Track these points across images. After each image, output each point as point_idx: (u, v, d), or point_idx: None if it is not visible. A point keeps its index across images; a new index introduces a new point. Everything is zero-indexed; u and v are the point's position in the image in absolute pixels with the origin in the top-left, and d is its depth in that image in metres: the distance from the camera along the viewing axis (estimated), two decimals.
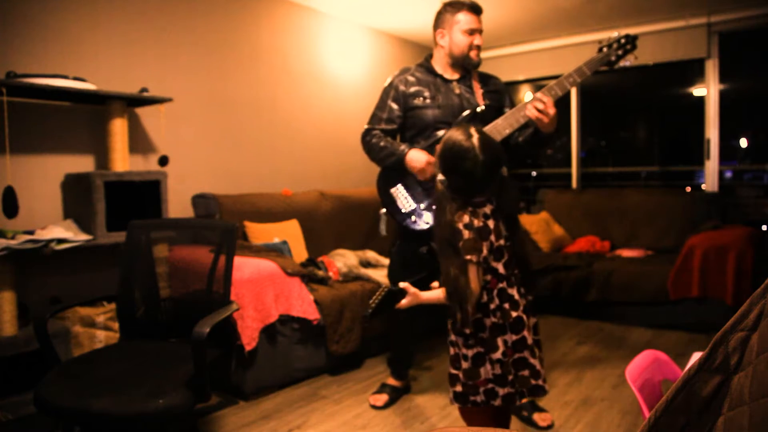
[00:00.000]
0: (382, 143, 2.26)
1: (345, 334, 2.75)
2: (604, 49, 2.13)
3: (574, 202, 4.54)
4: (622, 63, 2.12)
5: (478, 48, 2.25)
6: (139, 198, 2.56)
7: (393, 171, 2.24)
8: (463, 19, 2.22)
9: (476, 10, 2.24)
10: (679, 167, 5.00)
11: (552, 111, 1.95)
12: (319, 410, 2.37)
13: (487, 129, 2.10)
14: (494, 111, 2.23)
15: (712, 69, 4.07)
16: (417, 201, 2.20)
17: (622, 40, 2.11)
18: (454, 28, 2.23)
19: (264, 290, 2.43)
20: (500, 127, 2.09)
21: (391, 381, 2.52)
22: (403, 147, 2.19)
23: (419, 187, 2.20)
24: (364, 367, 2.91)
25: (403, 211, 2.22)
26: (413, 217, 2.20)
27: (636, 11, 3.99)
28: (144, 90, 2.66)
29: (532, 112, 1.97)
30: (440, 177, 1.57)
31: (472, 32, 2.22)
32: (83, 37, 2.65)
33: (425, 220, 2.18)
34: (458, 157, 1.50)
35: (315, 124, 3.89)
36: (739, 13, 3.84)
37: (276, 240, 3.02)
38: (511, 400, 1.49)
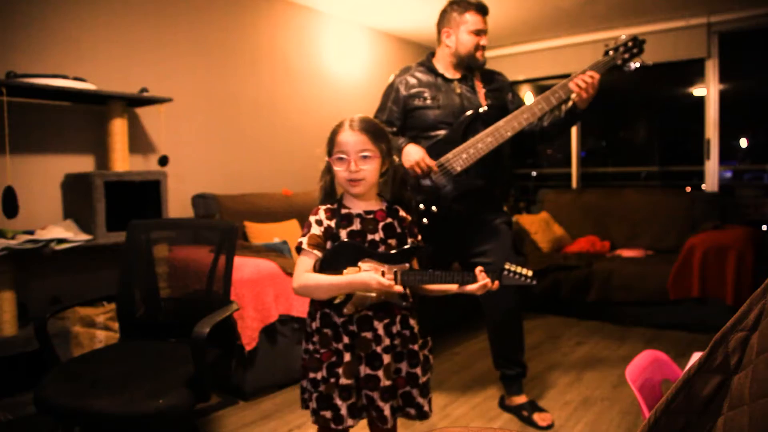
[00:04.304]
0: None
1: None
2: (611, 53, 2.12)
3: (574, 202, 4.54)
4: (632, 65, 2.11)
5: (484, 49, 2.25)
6: (139, 198, 2.56)
7: None
8: (471, 19, 2.22)
9: (483, 11, 2.24)
10: (679, 167, 5.00)
11: (594, 89, 2.06)
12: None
13: (488, 131, 2.10)
14: (498, 110, 2.23)
15: (712, 69, 4.07)
16: (417, 200, 2.20)
17: (629, 44, 2.10)
18: (461, 28, 2.23)
19: (264, 290, 2.43)
20: (503, 130, 2.09)
21: None
22: (401, 141, 2.18)
23: (419, 186, 2.19)
24: None
25: None
26: None
27: (636, 11, 3.99)
28: (144, 90, 2.66)
29: (575, 87, 2.06)
30: None
31: (479, 33, 2.23)
32: (83, 37, 2.65)
33: (424, 220, 2.17)
34: None
35: (315, 124, 3.89)
36: (739, 13, 3.84)
37: (276, 240, 3.02)
38: None
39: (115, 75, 2.76)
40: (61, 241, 2.27)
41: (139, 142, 2.89)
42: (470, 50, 2.23)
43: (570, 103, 2.14)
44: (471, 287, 1.38)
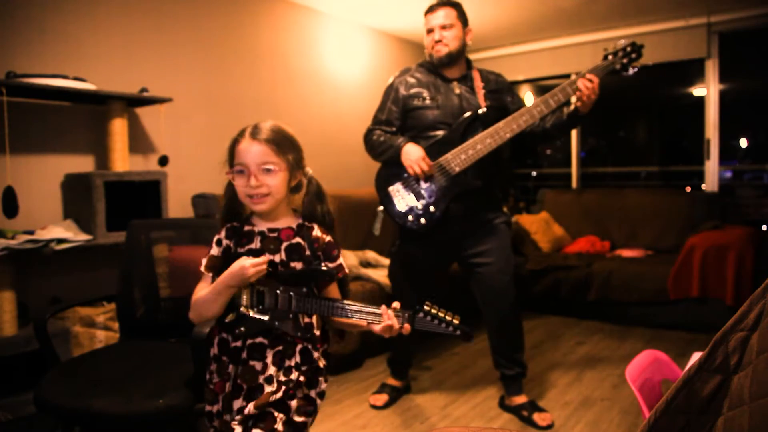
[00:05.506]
0: (381, 138, 2.27)
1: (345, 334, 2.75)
2: (609, 57, 2.13)
3: (574, 202, 4.54)
4: (630, 70, 2.12)
5: (438, 42, 2.24)
6: (139, 198, 2.56)
7: (392, 168, 2.24)
8: (426, 21, 2.30)
9: (433, 8, 2.27)
10: (679, 167, 5.00)
11: (595, 94, 2.05)
12: (319, 410, 2.36)
13: (488, 132, 2.10)
14: (497, 111, 2.22)
15: (712, 69, 4.07)
16: (415, 201, 2.20)
17: (628, 48, 2.11)
18: (425, 31, 2.31)
19: None
20: (502, 132, 2.10)
21: (391, 381, 2.52)
22: (400, 140, 2.19)
23: (418, 186, 2.20)
24: (364, 367, 2.91)
25: (400, 210, 2.21)
26: (410, 217, 2.19)
27: (636, 11, 3.99)
28: (144, 90, 2.66)
29: (575, 92, 2.06)
30: None
31: (432, 30, 2.26)
32: (83, 37, 2.65)
33: (422, 221, 2.17)
34: None
35: (315, 124, 3.89)
36: (739, 13, 3.84)
37: None
38: None
39: (115, 75, 2.76)
40: (61, 241, 2.27)
41: (139, 142, 2.89)
42: (428, 49, 2.29)
43: (572, 107, 2.14)
44: (375, 328, 1.18)
